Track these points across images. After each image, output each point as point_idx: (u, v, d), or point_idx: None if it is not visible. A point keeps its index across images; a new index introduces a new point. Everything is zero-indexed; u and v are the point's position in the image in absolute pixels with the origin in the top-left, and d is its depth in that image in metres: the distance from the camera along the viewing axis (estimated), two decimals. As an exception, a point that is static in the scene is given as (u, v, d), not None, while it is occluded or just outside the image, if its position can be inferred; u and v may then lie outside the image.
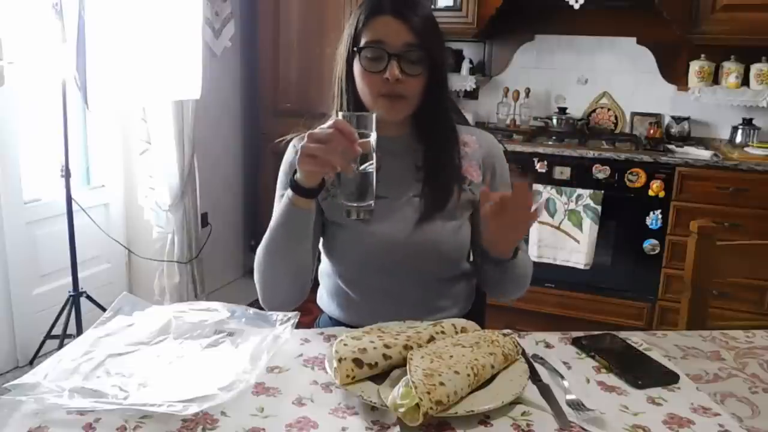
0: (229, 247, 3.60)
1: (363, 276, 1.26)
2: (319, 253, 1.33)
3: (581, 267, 2.92)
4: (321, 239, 1.30)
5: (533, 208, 1.07)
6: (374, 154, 1.01)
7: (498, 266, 1.21)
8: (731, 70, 2.97)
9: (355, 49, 1.18)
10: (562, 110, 3.28)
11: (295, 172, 1.08)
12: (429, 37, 1.17)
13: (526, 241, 2.94)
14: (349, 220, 1.21)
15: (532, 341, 1.10)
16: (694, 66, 3.03)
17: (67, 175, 2.41)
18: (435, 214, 1.21)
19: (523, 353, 1.01)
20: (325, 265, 1.34)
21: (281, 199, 1.23)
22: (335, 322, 1.32)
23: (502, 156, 1.34)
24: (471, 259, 1.35)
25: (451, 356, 0.90)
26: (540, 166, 2.95)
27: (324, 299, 1.35)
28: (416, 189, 1.23)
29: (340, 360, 0.89)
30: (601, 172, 2.88)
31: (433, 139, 1.25)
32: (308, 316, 1.35)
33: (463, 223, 1.27)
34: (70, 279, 2.51)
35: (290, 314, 1.08)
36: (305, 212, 1.12)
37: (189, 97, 2.82)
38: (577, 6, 2.95)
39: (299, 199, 1.09)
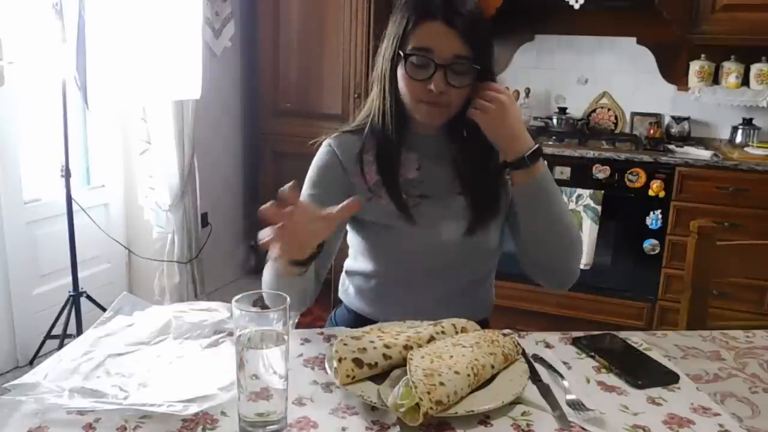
0: (229, 247, 3.60)
1: (407, 276, 1.25)
2: (346, 249, 1.32)
3: (581, 267, 2.91)
4: (358, 241, 1.28)
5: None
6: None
7: (521, 191, 1.16)
8: (731, 70, 2.97)
9: (401, 52, 1.14)
10: (562, 110, 3.28)
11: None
12: (479, 47, 1.13)
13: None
14: (392, 221, 1.19)
15: (532, 341, 1.10)
16: (694, 66, 3.03)
17: (67, 175, 2.41)
18: (487, 216, 1.21)
19: (523, 353, 1.01)
20: (360, 264, 1.30)
21: (314, 181, 1.24)
22: (354, 315, 1.30)
23: None
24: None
25: (451, 356, 0.90)
26: (540, 166, 2.95)
27: (351, 295, 1.33)
28: (458, 186, 1.22)
29: (340, 360, 0.89)
30: (601, 172, 2.88)
31: (472, 141, 1.21)
32: (308, 316, 1.35)
33: (502, 220, 1.26)
34: (70, 279, 2.51)
35: (290, 314, 1.08)
36: (299, 276, 1.07)
37: (189, 97, 2.82)
38: (577, 6, 2.95)
39: (291, 269, 1.03)
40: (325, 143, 1.27)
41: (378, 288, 1.29)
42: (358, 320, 1.28)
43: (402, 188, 1.21)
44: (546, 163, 1.18)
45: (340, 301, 1.37)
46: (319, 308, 1.40)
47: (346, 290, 1.35)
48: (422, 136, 1.24)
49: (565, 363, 1.02)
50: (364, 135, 1.24)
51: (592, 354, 1.05)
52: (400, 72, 1.16)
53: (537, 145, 1.14)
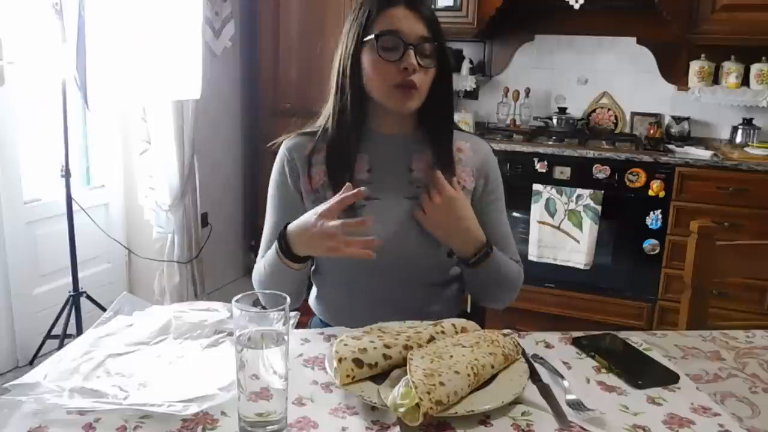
0: (229, 247, 3.60)
1: (353, 279, 1.25)
2: None
3: (581, 267, 2.91)
4: None
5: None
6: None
7: (468, 269, 1.21)
8: (731, 70, 2.96)
9: (369, 37, 1.16)
10: (562, 110, 3.28)
11: (286, 238, 1.10)
12: (438, 30, 1.18)
13: (527, 243, 2.94)
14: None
15: (532, 341, 1.10)
16: (694, 66, 3.03)
17: (67, 175, 2.41)
18: None
19: (523, 353, 1.01)
20: (316, 267, 1.32)
21: (275, 203, 1.25)
22: (324, 325, 1.31)
23: (496, 164, 1.32)
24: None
25: (451, 356, 0.90)
26: (540, 166, 2.95)
27: (314, 302, 1.34)
28: (409, 191, 1.22)
29: (340, 360, 0.89)
30: (601, 172, 2.88)
31: (434, 141, 1.24)
32: (308, 316, 1.35)
33: None
34: (70, 279, 2.51)
35: (291, 314, 1.08)
36: (298, 270, 1.14)
37: (189, 97, 2.82)
38: (577, 6, 2.95)
39: (290, 263, 1.13)
40: (281, 148, 1.28)
41: (329, 292, 1.30)
42: (326, 327, 1.29)
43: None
44: (495, 251, 1.21)
45: None
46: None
47: (312, 298, 1.36)
48: (381, 135, 1.24)
49: (565, 363, 1.02)
50: (317, 137, 1.25)
51: (592, 354, 1.05)
52: (369, 58, 1.17)
53: (484, 250, 1.18)
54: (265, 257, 1.19)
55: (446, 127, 1.25)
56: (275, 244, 1.14)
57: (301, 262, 1.13)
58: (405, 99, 1.17)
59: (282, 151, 1.28)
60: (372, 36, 1.16)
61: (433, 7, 3.06)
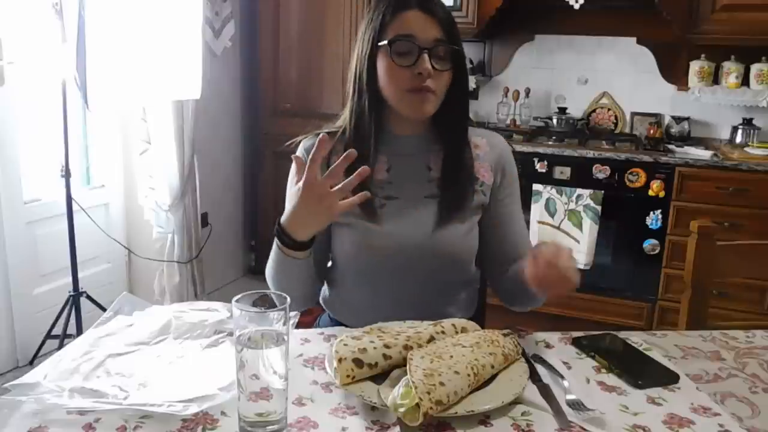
0: (229, 247, 3.60)
1: (373, 279, 1.24)
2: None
3: (581, 267, 2.91)
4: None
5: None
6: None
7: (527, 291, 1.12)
8: (731, 70, 2.97)
9: (383, 43, 1.15)
10: (562, 110, 3.28)
11: (281, 227, 1.08)
12: (454, 31, 1.17)
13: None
14: (357, 221, 1.20)
15: (532, 341, 1.10)
16: (694, 66, 3.03)
17: (67, 175, 2.41)
18: (453, 218, 1.20)
19: (523, 353, 1.01)
20: (332, 268, 1.32)
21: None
22: (335, 323, 1.31)
23: (512, 159, 1.33)
24: (476, 265, 1.33)
25: (451, 356, 0.90)
26: (540, 166, 2.95)
27: (327, 299, 1.34)
28: (428, 190, 1.22)
29: (340, 360, 0.89)
30: (601, 172, 2.88)
31: (451, 141, 1.24)
32: (308, 316, 1.35)
33: (474, 226, 1.26)
34: (70, 279, 2.51)
35: (290, 314, 1.08)
36: (302, 259, 1.12)
37: (189, 97, 2.82)
38: (577, 6, 2.95)
39: (294, 253, 1.10)
40: (299, 148, 1.27)
41: (346, 291, 1.29)
42: (335, 325, 1.28)
43: (369, 189, 1.19)
44: None
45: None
46: (320, 309, 1.40)
47: (324, 295, 1.35)
48: (398, 136, 1.24)
49: (565, 363, 1.02)
50: (336, 138, 1.24)
51: (592, 354, 1.05)
52: (383, 64, 1.17)
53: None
54: (270, 255, 1.18)
55: (461, 125, 1.25)
56: (275, 241, 1.13)
57: (305, 248, 1.11)
58: (420, 104, 1.17)
59: (300, 152, 1.26)
60: (385, 42, 1.15)
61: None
